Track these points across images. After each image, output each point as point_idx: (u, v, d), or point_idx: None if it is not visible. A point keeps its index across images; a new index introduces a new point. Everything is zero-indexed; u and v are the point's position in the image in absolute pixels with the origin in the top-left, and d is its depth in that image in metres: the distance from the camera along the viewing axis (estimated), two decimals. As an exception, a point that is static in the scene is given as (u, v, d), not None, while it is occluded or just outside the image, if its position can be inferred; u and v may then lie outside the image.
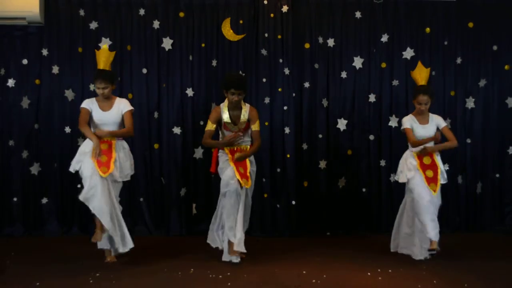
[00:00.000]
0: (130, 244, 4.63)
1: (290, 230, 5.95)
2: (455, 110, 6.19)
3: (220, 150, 4.80)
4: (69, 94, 5.93)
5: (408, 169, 4.89)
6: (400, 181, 5.02)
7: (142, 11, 6.01)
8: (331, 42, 6.13)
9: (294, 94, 6.05)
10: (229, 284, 4.01)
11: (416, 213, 4.80)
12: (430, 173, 4.78)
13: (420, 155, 4.87)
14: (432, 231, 4.67)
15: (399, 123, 6.05)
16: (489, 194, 6.21)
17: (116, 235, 4.53)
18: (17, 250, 5.12)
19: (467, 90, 6.22)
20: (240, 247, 4.56)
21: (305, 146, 6.12)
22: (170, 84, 6.03)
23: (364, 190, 6.13)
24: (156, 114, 6.03)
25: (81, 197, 4.45)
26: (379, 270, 4.40)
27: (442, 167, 4.89)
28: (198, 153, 6.03)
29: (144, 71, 6.02)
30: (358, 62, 6.14)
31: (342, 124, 6.13)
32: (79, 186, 5.08)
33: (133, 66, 6.01)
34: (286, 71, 6.01)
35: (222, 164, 4.74)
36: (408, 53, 6.14)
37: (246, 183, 4.62)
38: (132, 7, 6.02)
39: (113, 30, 6.00)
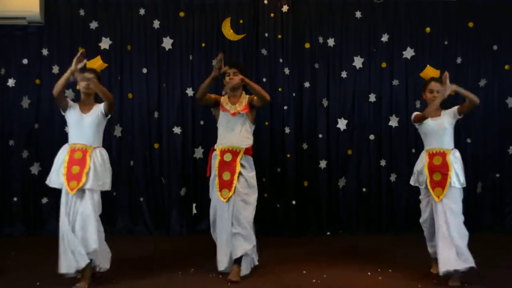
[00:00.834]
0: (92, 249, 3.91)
1: (290, 230, 5.95)
2: (455, 110, 6.19)
3: (213, 152, 4.36)
4: (69, 94, 5.92)
5: (417, 171, 4.33)
6: (411, 183, 4.48)
7: (142, 11, 6.01)
8: (331, 42, 6.13)
9: (294, 94, 6.05)
10: (229, 284, 4.02)
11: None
12: (437, 176, 4.12)
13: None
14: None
15: (399, 122, 6.07)
16: (489, 194, 6.21)
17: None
18: (17, 250, 5.12)
19: (467, 90, 6.18)
20: (232, 275, 4.11)
21: (305, 146, 6.12)
22: (170, 84, 6.03)
23: (364, 190, 6.13)
24: (156, 114, 6.03)
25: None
26: (379, 270, 4.40)
27: (456, 168, 4.13)
28: (198, 153, 6.03)
29: (144, 71, 6.02)
30: (358, 62, 6.14)
31: (342, 124, 6.12)
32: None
33: (133, 66, 6.01)
34: (286, 71, 6.01)
35: (211, 179, 4.35)
36: (408, 53, 6.14)
37: (227, 194, 4.17)
38: (132, 7, 6.02)
39: (113, 30, 6.00)
